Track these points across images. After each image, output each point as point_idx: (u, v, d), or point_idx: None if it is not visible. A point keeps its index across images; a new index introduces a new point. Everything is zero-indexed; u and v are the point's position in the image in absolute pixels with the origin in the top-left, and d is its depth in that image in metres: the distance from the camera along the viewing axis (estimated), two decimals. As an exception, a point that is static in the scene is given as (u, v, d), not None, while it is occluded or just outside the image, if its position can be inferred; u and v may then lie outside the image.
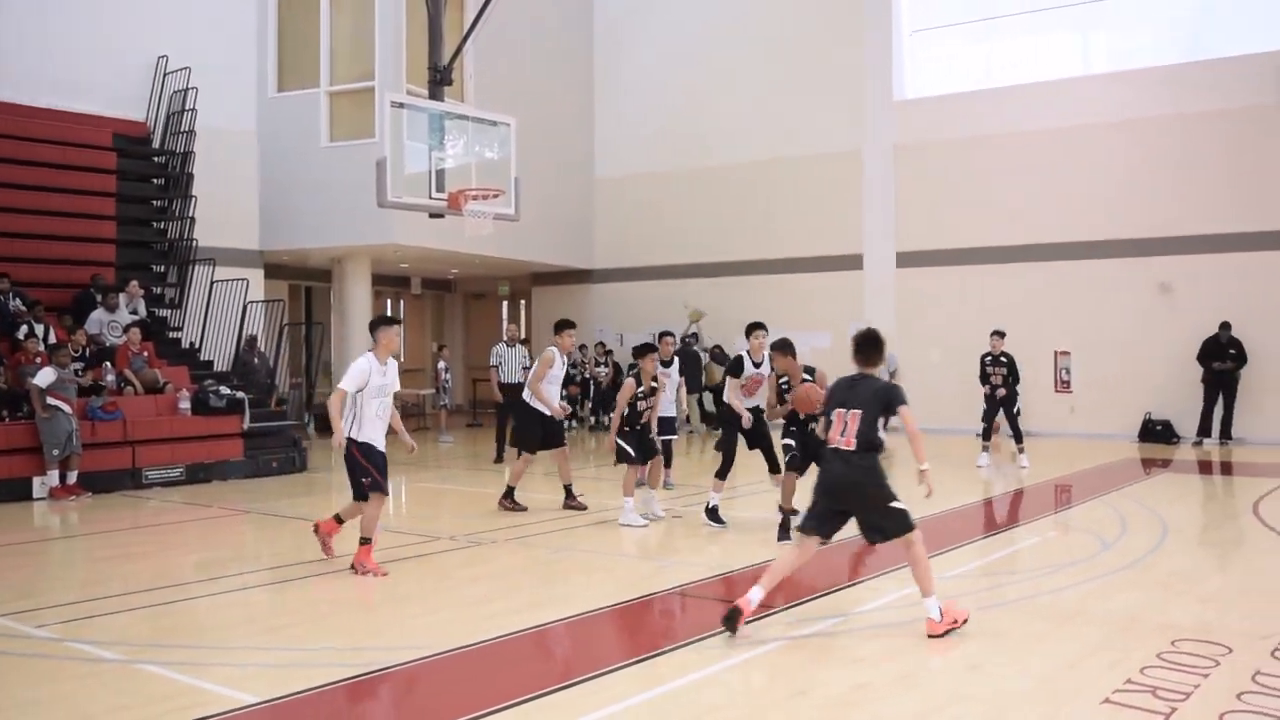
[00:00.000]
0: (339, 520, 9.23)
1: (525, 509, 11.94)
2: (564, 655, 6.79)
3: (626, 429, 11.26)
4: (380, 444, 8.80)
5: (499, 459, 17.20)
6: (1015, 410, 16.14)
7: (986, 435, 16.47)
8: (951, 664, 6.16)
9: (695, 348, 23.25)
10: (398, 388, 9.05)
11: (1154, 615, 7.16)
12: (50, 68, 17.60)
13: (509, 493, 12.13)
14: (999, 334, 16.18)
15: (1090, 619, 7.13)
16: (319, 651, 6.53)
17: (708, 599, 7.95)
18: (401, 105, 14.25)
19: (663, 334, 14.06)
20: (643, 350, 11.48)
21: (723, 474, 10.79)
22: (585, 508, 11.94)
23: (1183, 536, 10.27)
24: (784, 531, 10.08)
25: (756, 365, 10.74)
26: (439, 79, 15.10)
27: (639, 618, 7.50)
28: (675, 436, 13.95)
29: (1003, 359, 15.93)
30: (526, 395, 12.05)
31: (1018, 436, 16.05)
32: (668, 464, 13.70)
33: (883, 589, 8.14)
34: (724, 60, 24.73)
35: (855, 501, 6.85)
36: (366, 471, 8.73)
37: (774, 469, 10.75)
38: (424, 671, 6.13)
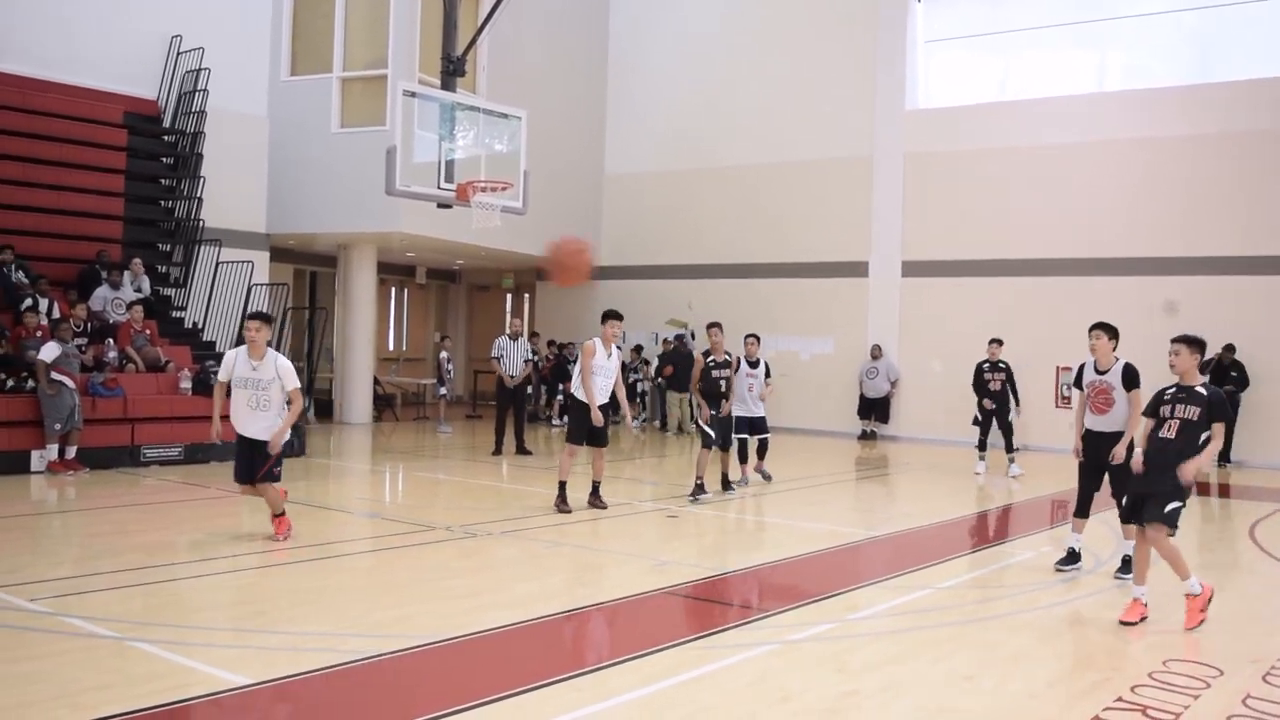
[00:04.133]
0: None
1: (570, 511, 11.56)
2: (554, 650, 6.78)
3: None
4: (242, 430, 9.45)
5: (497, 451, 17.21)
6: (1009, 419, 16.35)
7: (983, 445, 16.59)
8: (941, 676, 6.14)
9: (690, 348, 23.26)
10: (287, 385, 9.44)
11: (1146, 634, 7.15)
12: (64, 42, 17.59)
13: (561, 490, 11.66)
14: (997, 341, 16.43)
15: (1082, 636, 7.12)
16: (309, 636, 6.53)
17: (701, 600, 7.95)
18: (413, 94, 14.26)
19: (747, 336, 14.64)
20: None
21: (1080, 511, 9.25)
22: (605, 507, 11.74)
23: (1178, 557, 10.24)
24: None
25: (1101, 373, 8.98)
26: (452, 69, 15.11)
27: (631, 615, 7.49)
28: (767, 435, 14.53)
29: (1001, 365, 16.20)
30: (575, 388, 11.78)
31: (1009, 445, 16.27)
32: (761, 457, 14.54)
33: (879, 597, 8.13)
34: (738, 62, 24.72)
35: None
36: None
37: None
38: (413, 661, 6.13)
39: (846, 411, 22.97)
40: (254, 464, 9.42)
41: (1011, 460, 16.15)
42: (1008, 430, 16.33)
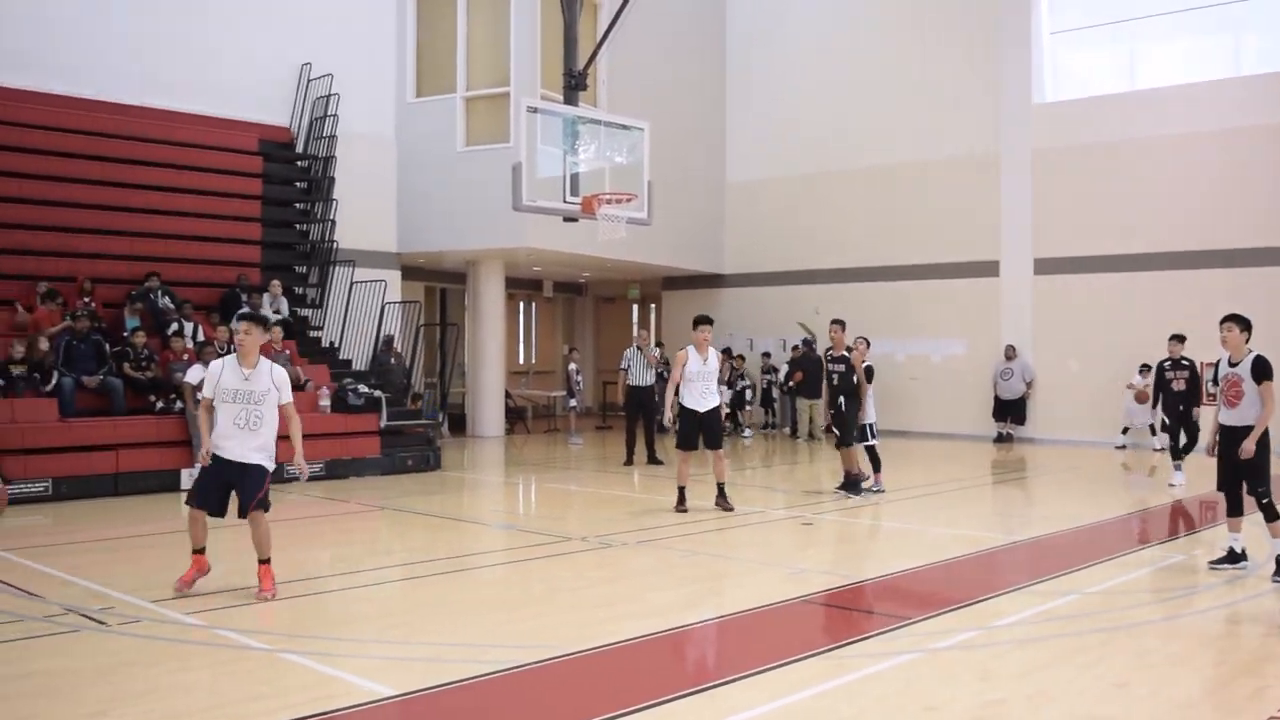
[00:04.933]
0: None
1: (686, 510, 12.02)
2: (691, 660, 6.77)
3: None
4: (226, 453, 7.85)
5: (628, 461, 17.26)
6: (1194, 422, 14.92)
7: (1176, 452, 15.02)
8: (1092, 683, 5.96)
9: (819, 354, 23.06)
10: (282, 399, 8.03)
11: (1309, 639, 6.85)
12: (201, 75, 18.25)
13: (680, 494, 12.20)
14: (1178, 338, 15.16)
15: (1238, 642, 6.85)
16: (451, 648, 6.62)
17: (839, 608, 7.86)
18: (536, 110, 14.41)
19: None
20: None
21: (1232, 509, 8.91)
22: (732, 509, 11.98)
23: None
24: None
25: (1233, 365, 8.78)
26: (573, 84, 15.25)
27: (768, 625, 7.42)
28: (874, 441, 13.77)
29: (1185, 363, 14.98)
30: (682, 397, 12.19)
31: (1177, 450, 14.97)
32: (877, 469, 13.81)
33: (1022, 603, 7.92)
34: (858, 64, 24.47)
35: None
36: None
37: (1271, 516, 8.44)
38: (552, 672, 6.16)
39: (981, 414, 22.52)
40: (242, 490, 7.94)
41: (1178, 467, 14.93)
42: (1178, 432, 14.97)
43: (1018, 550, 10.32)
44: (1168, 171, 20.52)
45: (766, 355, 24.96)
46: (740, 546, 10.36)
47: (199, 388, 13.63)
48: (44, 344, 13.92)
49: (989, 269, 22.68)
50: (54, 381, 13.78)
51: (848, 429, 13.31)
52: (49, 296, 14.71)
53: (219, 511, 8.02)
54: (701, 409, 12.06)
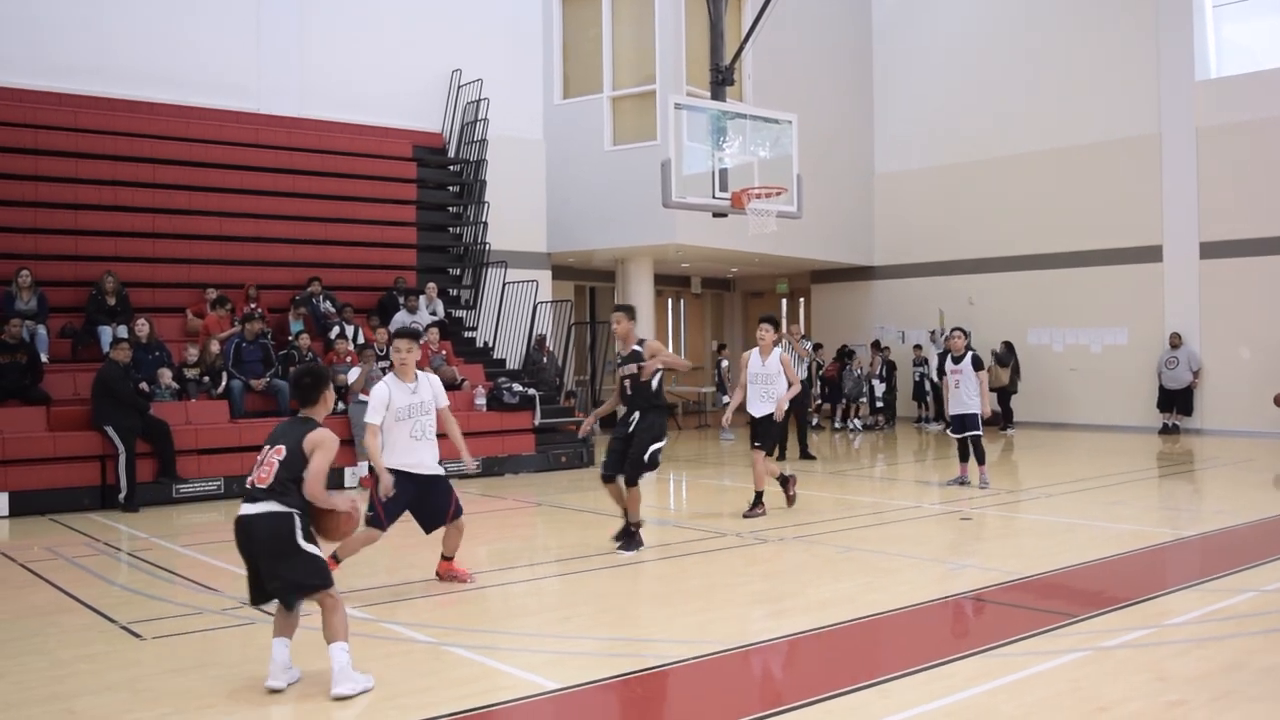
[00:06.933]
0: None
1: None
2: (855, 656, 6.68)
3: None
4: (411, 467, 7.95)
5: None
6: None
7: None
8: (1277, 686, 5.69)
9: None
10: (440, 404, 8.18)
11: None
12: (356, 87, 18.83)
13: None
14: None
15: None
16: (612, 642, 6.67)
17: (1002, 605, 7.67)
18: (682, 107, 14.42)
19: (954, 329, 13.99)
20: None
21: None
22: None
23: None
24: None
25: None
26: (720, 79, 15.21)
27: (929, 622, 7.30)
28: (979, 433, 13.55)
29: None
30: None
31: None
32: (980, 462, 13.53)
33: (1196, 601, 7.62)
34: (1009, 47, 23.88)
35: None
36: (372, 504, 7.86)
37: None
38: (716, 667, 6.15)
39: (1145, 405, 21.76)
40: (434, 504, 8.20)
41: None
42: None
43: (1188, 546, 9.95)
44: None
45: (918, 348, 24.54)
46: (897, 542, 10.21)
47: (353, 386, 13.93)
48: (215, 348, 14.51)
49: (1151, 254, 21.89)
50: (224, 384, 14.36)
51: (640, 461, 9.62)
52: (218, 303, 15.31)
53: (434, 524, 8.28)
54: (757, 414, 11.56)
